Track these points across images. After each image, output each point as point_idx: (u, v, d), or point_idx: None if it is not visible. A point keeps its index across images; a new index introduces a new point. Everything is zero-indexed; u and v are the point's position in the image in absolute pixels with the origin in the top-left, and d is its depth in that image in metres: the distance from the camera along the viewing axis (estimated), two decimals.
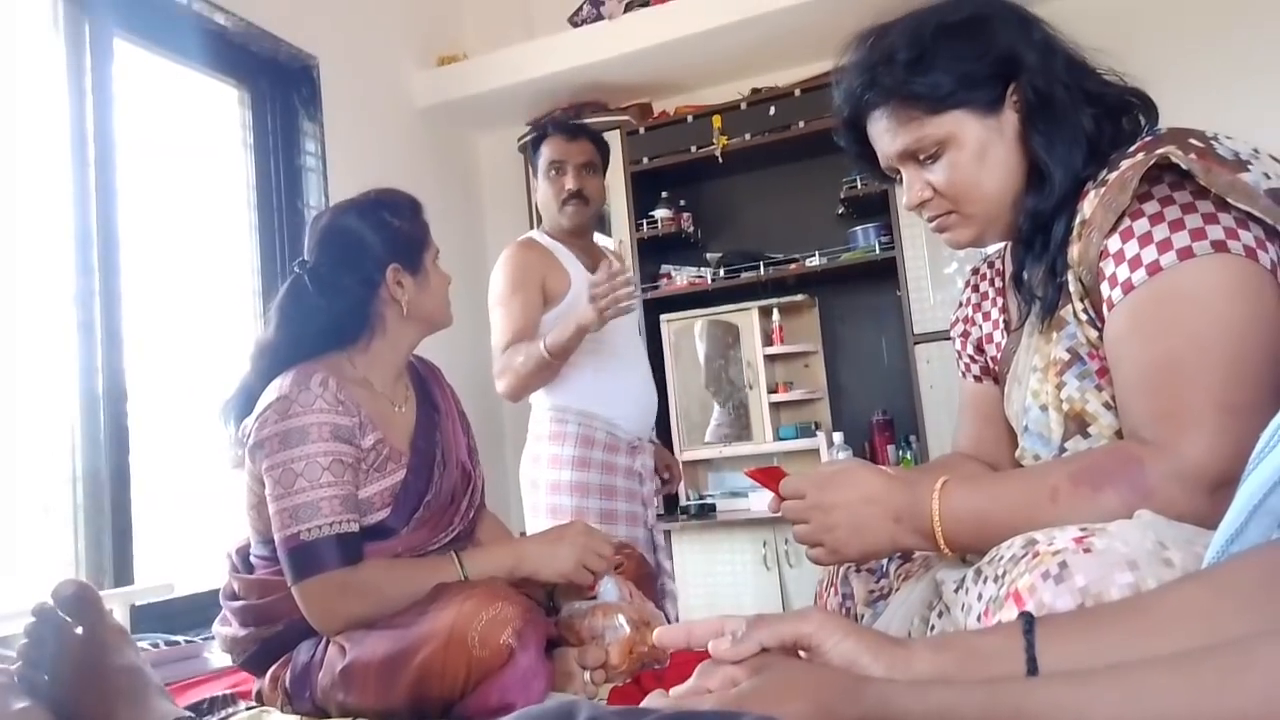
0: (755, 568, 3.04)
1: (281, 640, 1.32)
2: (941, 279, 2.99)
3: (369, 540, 1.33)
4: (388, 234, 1.45)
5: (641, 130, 3.38)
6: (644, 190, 3.42)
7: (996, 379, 1.17)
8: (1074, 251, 0.93)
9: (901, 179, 1.06)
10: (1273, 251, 0.83)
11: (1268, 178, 0.85)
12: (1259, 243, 0.83)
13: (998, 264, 1.20)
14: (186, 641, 1.81)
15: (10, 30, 2.10)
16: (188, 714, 0.93)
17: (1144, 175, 0.86)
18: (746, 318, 3.30)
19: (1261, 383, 0.80)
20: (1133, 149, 0.92)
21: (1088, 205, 0.92)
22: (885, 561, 1.13)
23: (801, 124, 3.15)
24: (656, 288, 3.40)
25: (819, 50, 3.09)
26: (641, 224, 3.38)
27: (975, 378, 1.23)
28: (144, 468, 2.20)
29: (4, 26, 2.09)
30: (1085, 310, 0.94)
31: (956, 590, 0.84)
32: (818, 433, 3.19)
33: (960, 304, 1.27)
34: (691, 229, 3.47)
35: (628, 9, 3.25)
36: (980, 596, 0.78)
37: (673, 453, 3.29)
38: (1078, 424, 0.97)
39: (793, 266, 3.25)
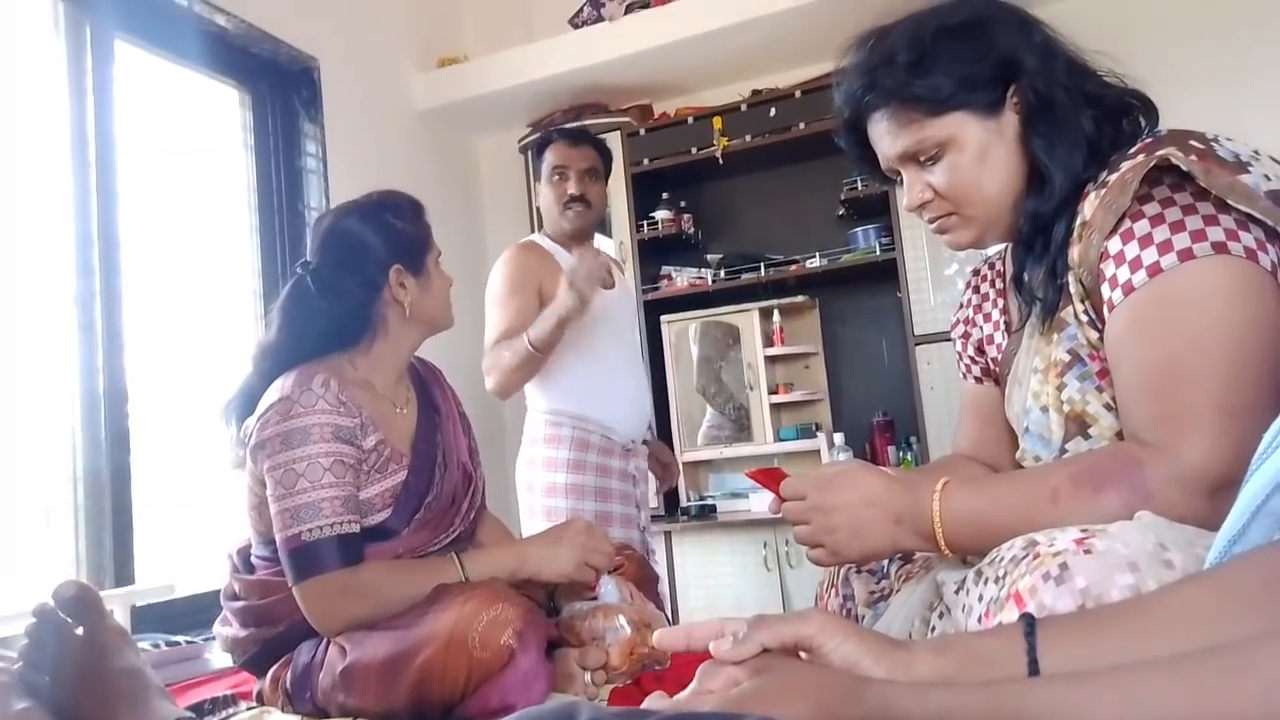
0: (756, 569, 3.04)
1: (282, 641, 1.32)
2: (942, 280, 2.99)
3: (370, 541, 1.33)
4: (390, 236, 1.45)
5: (642, 132, 3.38)
6: (644, 191, 3.42)
7: (997, 380, 1.17)
8: (1074, 253, 0.93)
9: (902, 180, 1.06)
10: (1273, 253, 0.83)
11: (1268, 179, 0.85)
12: (1259, 244, 0.83)
13: (998, 265, 1.21)
14: (187, 642, 1.81)
15: (11, 32, 2.10)
16: (188, 714, 0.92)
17: (1144, 177, 0.86)
18: (747, 319, 3.30)
19: (1262, 385, 0.80)
20: (1133, 151, 0.92)
21: (1088, 207, 0.92)
22: (886, 563, 1.13)
23: (802, 125, 3.15)
24: (657, 289, 3.40)
25: (819, 52, 3.09)
26: (642, 225, 3.38)
27: (976, 379, 1.23)
28: (145, 468, 2.20)
29: (5, 28, 2.09)
30: (1086, 312, 0.94)
31: (957, 591, 0.84)
32: (818, 434, 3.19)
33: (961, 305, 1.27)
34: (692, 230, 3.47)
35: (628, 11, 3.25)
36: (981, 598, 0.79)
37: (673, 453, 3.30)
38: (1078, 425, 0.97)
39: (793, 268, 3.25)
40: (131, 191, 2.27)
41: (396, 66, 3.37)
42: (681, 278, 3.40)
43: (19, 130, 2.08)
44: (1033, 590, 0.71)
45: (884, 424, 3.22)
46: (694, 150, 3.30)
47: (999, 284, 1.19)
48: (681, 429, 3.30)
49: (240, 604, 1.38)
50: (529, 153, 3.41)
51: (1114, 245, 0.88)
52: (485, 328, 2.16)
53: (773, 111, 3.21)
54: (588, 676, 1.24)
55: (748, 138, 3.23)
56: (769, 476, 1.04)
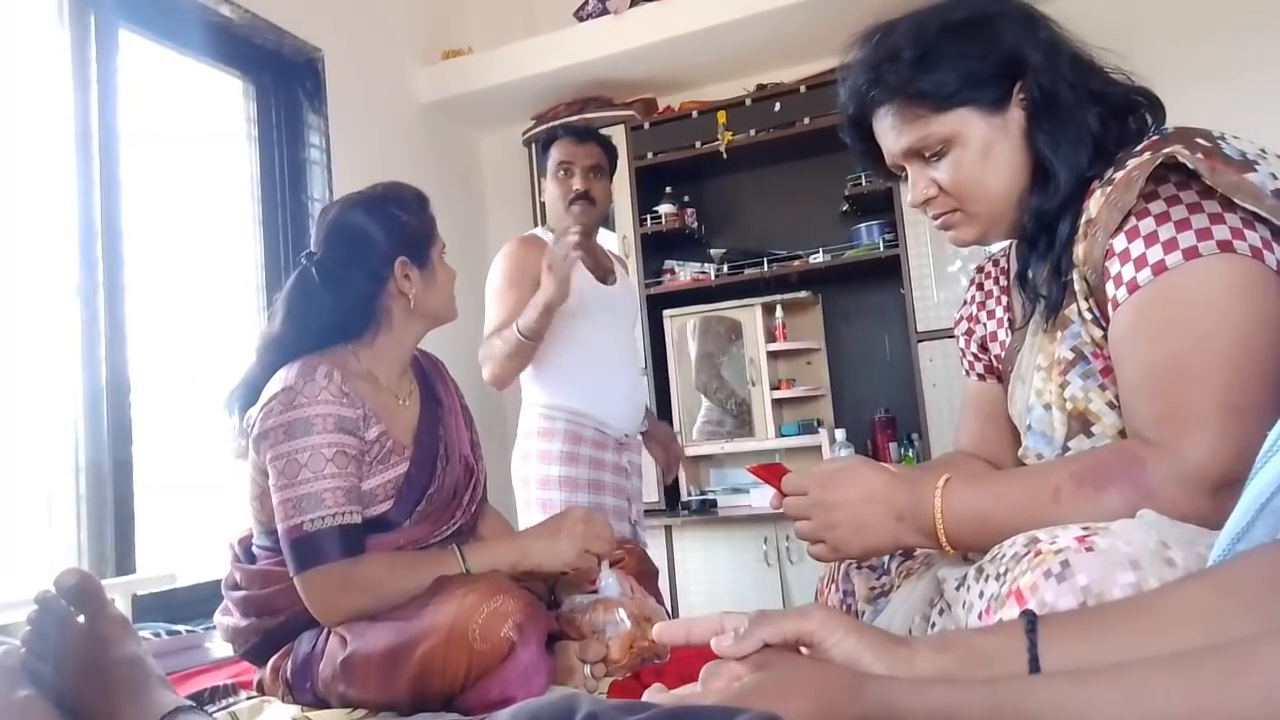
0: (756, 564, 3.04)
1: (283, 631, 1.33)
2: (945, 277, 2.98)
3: (371, 533, 1.33)
4: (396, 228, 1.45)
5: (646, 126, 3.37)
6: (648, 186, 3.42)
7: (1000, 377, 1.17)
8: (1079, 250, 0.93)
9: (906, 177, 1.06)
10: (1279, 251, 0.83)
11: (1274, 178, 0.85)
12: (1265, 243, 0.83)
13: (1002, 262, 1.20)
14: (188, 631, 1.81)
15: (16, 22, 2.10)
16: (189, 703, 0.93)
17: (1150, 175, 0.86)
18: (749, 314, 3.29)
19: (1266, 384, 0.80)
20: (1139, 148, 0.91)
21: (1093, 204, 0.92)
22: (887, 559, 1.13)
23: (806, 121, 3.14)
24: (660, 284, 3.40)
25: (824, 47, 3.08)
26: (645, 220, 3.38)
27: (979, 376, 1.23)
28: (146, 458, 2.21)
29: (9, 18, 2.09)
30: (1090, 309, 0.94)
31: (958, 588, 0.84)
32: (820, 430, 3.19)
33: (964, 302, 1.27)
34: (695, 225, 3.46)
35: (633, 4, 3.24)
36: (982, 594, 0.79)
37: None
38: (1081, 423, 0.97)
39: (796, 263, 3.25)
40: (135, 182, 2.27)
41: (400, 59, 3.36)
42: (684, 272, 3.40)
43: (23, 121, 2.08)
44: (1034, 588, 0.71)
45: (886, 420, 3.22)
46: (698, 145, 3.29)
47: (1003, 281, 1.19)
48: (683, 424, 3.30)
49: (241, 594, 1.38)
50: (532, 146, 3.41)
51: (1119, 243, 0.88)
52: (485, 320, 2.17)
53: (777, 106, 3.20)
54: (588, 669, 1.24)
55: (752, 132, 3.22)
56: (770, 472, 1.04)
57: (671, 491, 3.29)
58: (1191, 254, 0.83)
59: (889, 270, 3.12)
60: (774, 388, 3.26)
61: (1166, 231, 0.85)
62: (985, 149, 0.98)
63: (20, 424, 1.99)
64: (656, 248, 3.46)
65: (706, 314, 3.37)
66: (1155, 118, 0.98)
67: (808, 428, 3.23)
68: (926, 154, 1.01)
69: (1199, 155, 0.84)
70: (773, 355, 3.29)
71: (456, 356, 1.86)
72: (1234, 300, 0.82)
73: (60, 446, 2.06)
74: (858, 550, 0.96)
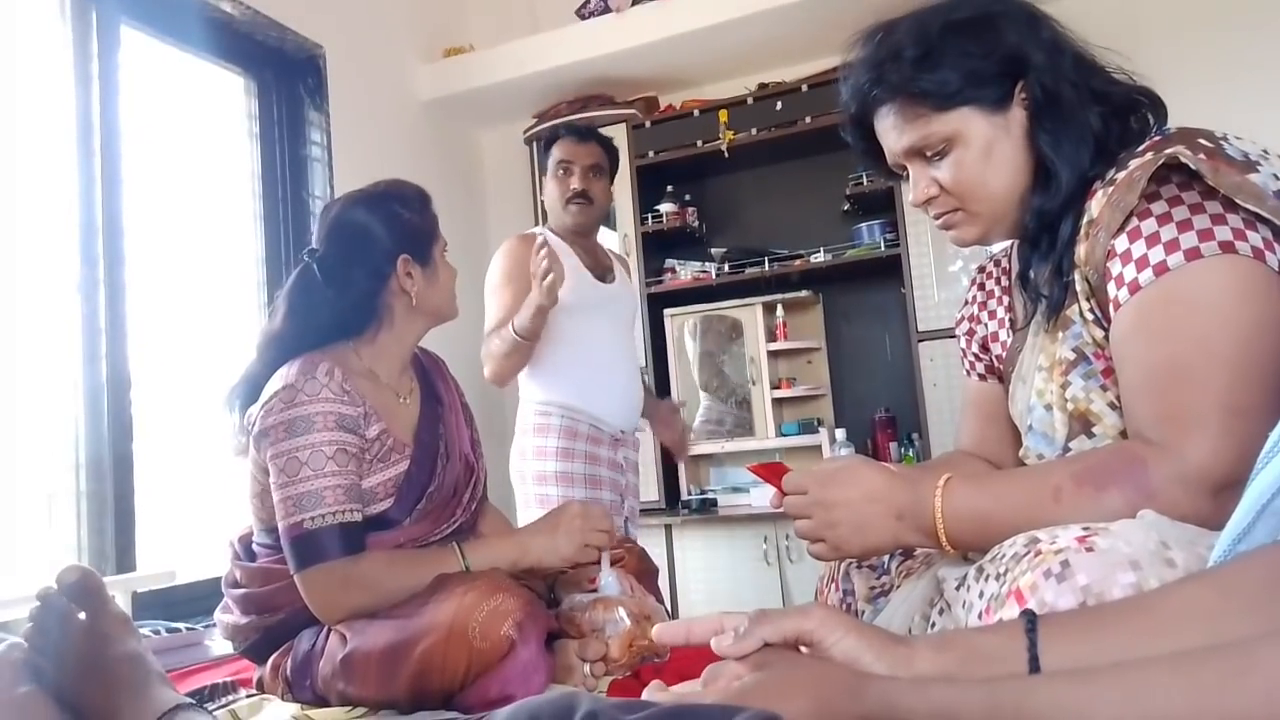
0: (756, 563, 3.04)
1: (283, 628, 1.33)
2: (946, 277, 2.98)
3: (371, 531, 1.33)
4: (398, 226, 1.45)
5: (647, 124, 3.37)
6: (649, 185, 3.42)
7: (1001, 378, 1.17)
8: (1081, 251, 0.93)
9: (908, 176, 1.06)
10: None
11: (1277, 179, 0.85)
12: (1267, 244, 0.83)
13: (1004, 262, 1.20)
14: (188, 629, 1.81)
15: (18, 18, 2.10)
16: (188, 700, 0.93)
17: (1152, 175, 0.86)
18: (750, 313, 3.29)
19: (1267, 385, 0.80)
20: (1141, 148, 0.91)
21: (1095, 204, 0.92)
22: (887, 558, 1.13)
23: (808, 120, 3.14)
24: (660, 282, 3.40)
25: (826, 46, 3.08)
26: (646, 218, 3.38)
27: (980, 376, 1.23)
28: (147, 456, 2.21)
29: (11, 14, 2.09)
30: (1091, 310, 0.94)
31: (958, 588, 0.84)
32: (820, 429, 3.19)
33: (966, 302, 1.27)
34: (696, 224, 3.46)
35: (635, 2, 3.24)
36: (982, 594, 0.79)
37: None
38: (1082, 424, 0.97)
39: (797, 263, 3.25)
40: (136, 179, 2.27)
41: (402, 56, 3.36)
42: (685, 271, 3.40)
43: (24, 117, 2.08)
44: (1034, 587, 0.71)
45: (886, 420, 3.22)
46: (699, 143, 3.29)
47: (1004, 281, 1.19)
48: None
49: (241, 591, 1.38)
50: (533, 144, 3.41)
51: (1121, 243, 0.88)
52: (484, 318, 2.17)
53: (779, 105, 3.20)
54: (587, 668, 1.24)
55: (753, 131, 3.22)
56: (771, 471, 1.04)
57: (671, 490, 3.29)
58: (1193, 255, 0.83)
59: (890, 270, 3.12)
60: (774, 387, 3.26)
61: (1168, 232, 0.85)
62: (987, 148, 0.98)
63: (21, 421, 1.99)
64: (657, 246, 3.46)
65: (707, 313, 3.37)
66: (1157, 118, 0.98)
67: (808, 427, 3.23)
68: (928, 153, 1.01)
69: (1201, 156, 0.84)
70: (773, 354, 3.29)
71: (457, 354, 1.86)
72: (1235, 301, 0.82)
73: (61, 443, 2.06)
74: (858, 549, 0.96)
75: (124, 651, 0.94)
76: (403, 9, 3.36)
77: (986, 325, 1.20)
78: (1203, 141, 0.88)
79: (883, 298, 3.30)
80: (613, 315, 2.28)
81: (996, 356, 1.18)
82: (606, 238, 3.20)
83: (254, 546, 1.42)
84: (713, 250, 3.42)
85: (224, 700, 1.25)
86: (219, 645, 1.73)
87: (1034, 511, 0.84)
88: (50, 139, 2.11)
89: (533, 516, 2.00)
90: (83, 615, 0.96)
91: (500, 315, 2.11)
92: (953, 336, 1.29)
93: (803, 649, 0.66)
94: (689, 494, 3.27)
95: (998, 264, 1.22)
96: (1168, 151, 0.85)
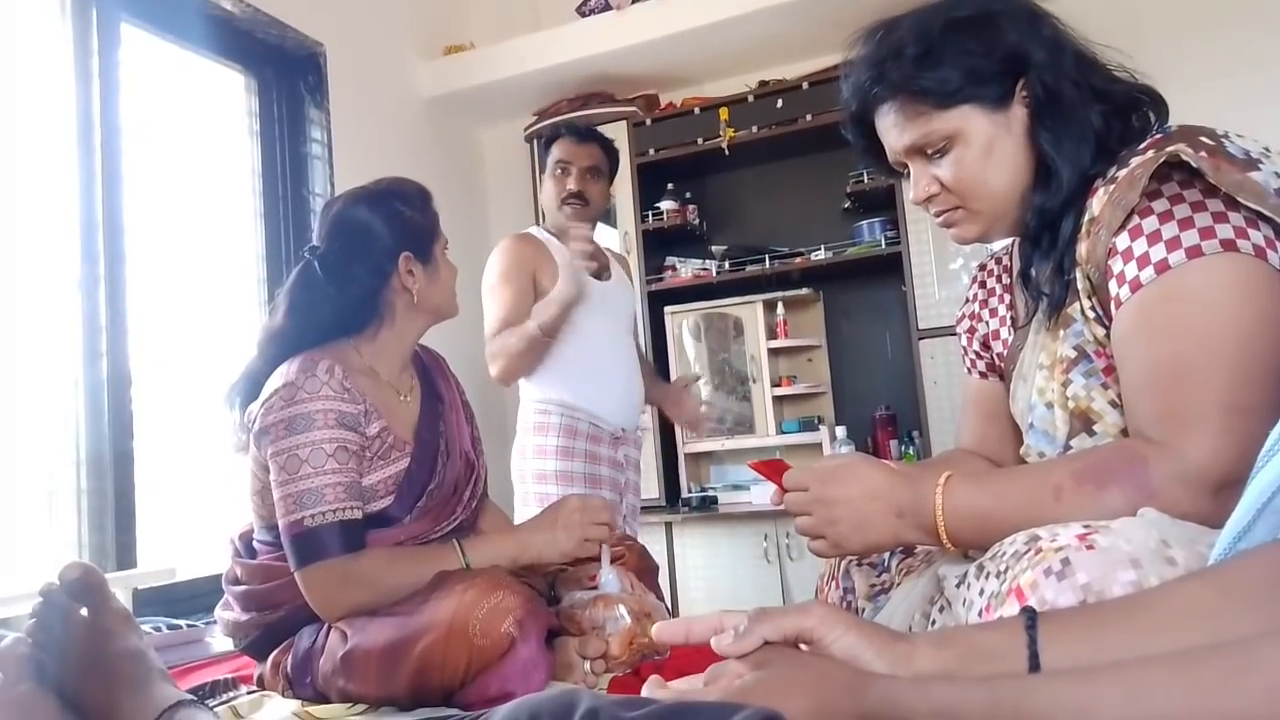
0: (756, 561, 3.04)
1: (284, 626, 1.33)
2: (947, 275, 2.98)
3: (372, 528, 1.34)
4: (399, 223, 1.45)
5: (648, 122, 3.37)
6: (650, 182, 3.42)
7: (1002, 376, 1.17)
8: (1082, 249, 0.93)
9: (908, 174, 1.05)
10: None
11: (1278, 176, 0.85)
12: (1268, 242, 0.82)
13: (1005, 260, 1.20)
14: (188, 626, 1.81)
15: (18, 16, 2.10)
16: (189, 697, 0.93)
17: (1153, 173, 0.86)
18: (751, 311, 3.29)
19: (1268, 383, 0.80)
20: (1142, 146, 0.91)
21: (1097, 202, 0.92)
22: (887, 556, 1.13)
23: (809, 118, 3.14)
24: (661, 280, 3.40)
25: (827, 44, 3.08)
26: (647, 216, 3.38)
27: (980, 374, 1.23)
28: (147, 452, 2.21)
29: (11, 12, 2.08)
30: (1093, 308, 0.94)
31: (958, 585, 0.84)
32: (820, 427, 3.19)
33: (966, 300, 1.27)
34: (697, 222, 3.46)
35: (635, 0, 3.24)
36: (982, 592, 0.79)
37: (675, 449, 3.30)
38: (1083, 422, 0.97)
39: (798, 260, 3.25)
40: (136, 177, 2.26)
41: (402, 54, 3.36)
42: (686, 269, 3.39)
43: (25, 114, 2.08)
44: (1034, 585, 0.71)
45: (886, 418, 3.22)
46: (700, 141, 3.29)
47: (1005, 279, 1.19)
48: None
49: (242, 588, 1.38)
50: (534, 142, 3.40)
51: (1122, 241, 0.88)
52: (485, 317, 2.17)
53: (779, 103, 3.20)
54: (587, 665, 1.24)
55: (754, 129, 3.22)
56: (771, 468, 1.04)
57: (672, 488, 3.29)
58: (1194, 253, 0.83)
59: (890, 267, 3.12)
60: (775, 384, 3.26)
61: (1169, 230, 0.85)
62: (988, 146, 0.98)
63: (21, 418, 1.99)
64: (658, 244, 3.46)
65: (708, 311, 3.37)
66: (1158, 115, 0.98)
67: (808, 425, 3.23)
68: (929, 151, 1.01)
69: (1203, 154, 0.84)
70: (774, 352, 3.29)
71: (457, 352, 1.86)
72: (1237, 299, 0.82)
73: (61, 440, 2.07)
74: (858, 547, 0.96)
75: (126, 648, 0.95)
76: (403, 6, 3.36)
77: (988, 323, 1.20)
78: (1204, 139, 0.87)
79: (883, 295, 3.30)
80: (610, 313, 2.28)
81: (997, 354, 1.18)
82: (606, 235, 3.21)
83: (254, 544, 1.42)
84: (713, 248, 3.42)
85: (225, 697, 1.25)
86: (219, 642, 1.74)
87: (1034, 509, 0.84)
88: (51, 136, 2.11)
89: (531, 515, 2.01)
90: (85, 612, 0.97)
91: (504, 313, 2.12)
92: (953, 334, 1.29)
93: (803, 647, 0.66)
94: (689, 492, 3.28)
95: (999, 262, 1.22)
96: (1169, 149, 0.85)
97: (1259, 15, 2.81)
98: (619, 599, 1.32)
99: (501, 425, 3.24)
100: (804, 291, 3.30)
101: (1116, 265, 0.89)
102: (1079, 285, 0.94)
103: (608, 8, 3.27)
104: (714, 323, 3.39)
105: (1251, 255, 0.82)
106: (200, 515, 2.37)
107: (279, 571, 1.33)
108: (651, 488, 3.18)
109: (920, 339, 3.00)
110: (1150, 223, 0.86)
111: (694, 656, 1.22)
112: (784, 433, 3.23)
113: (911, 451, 3.13)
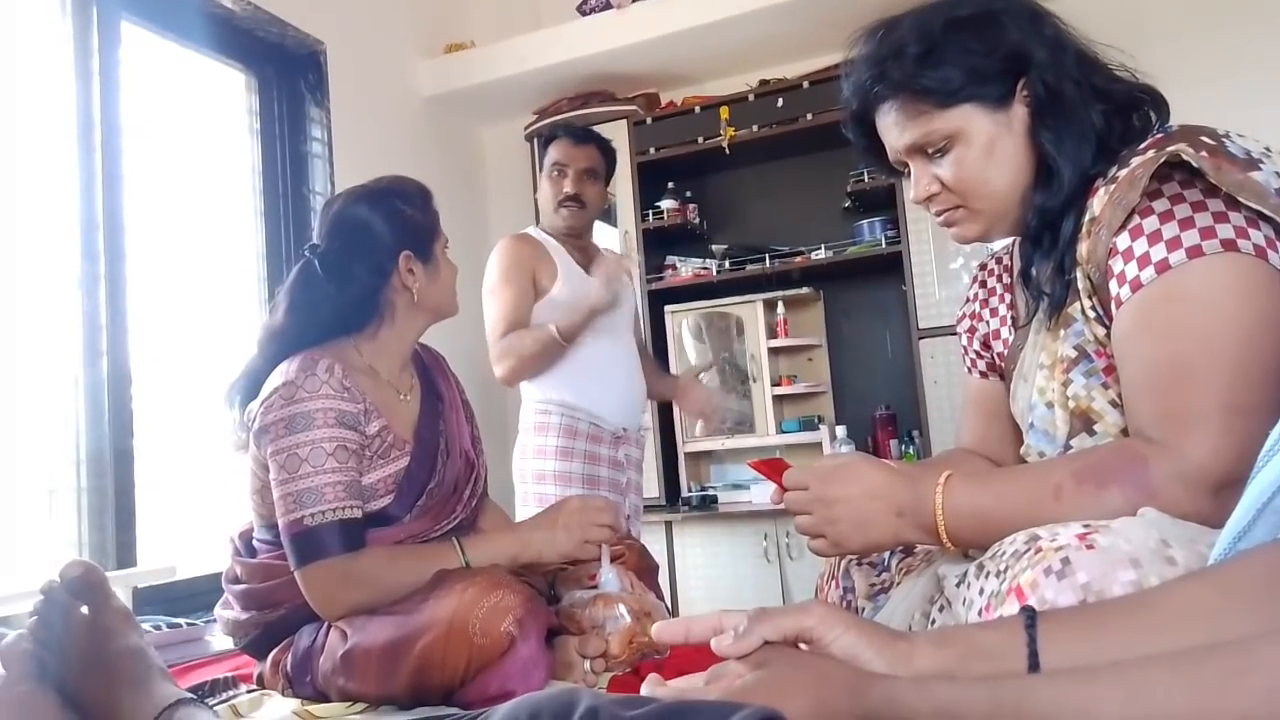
0: (756, 560, 3.04)
1: (283, 624, 1.33)
2: (947, 274, 2.98)
3: (372, 527, 1.34)
4: (400, 222, 1.45)
5: (648, 121, 3.37)
6: (650, 181, 3.42)
7: (1002, 375, 1.17)
8: (1083, 248, 0.93)
9: (909, 173, 1.05)
10: None
11: (1279, 176, 0.85)
12: (1269, 242, 0.82)
13: (1005, 260, 1.20)
14: (188, 624, 1.82)
15: (18, 14, 2.10)
16: (189, 696, 0.93)
17: (1154, 173, 0.86)
18: (751, 310, 3.29)
19: (1268, 383, 0.80)
20: (1143, 146, 0.91)
21: (1097, 202, 0.92)
22: (887, 555, 1.13)
23: (809, 116, 3.14)
24: (661, 279, 3.40)
25: (827, 43, 3.07)
26: (647, 215, 3.38)
27: (981, 373, 1.22)
28: (147, 451, 2.21)
29: (12, 10, 2.08)
30: (1093, 307, 0.94)
31: (958, 585, 0.84)
32: (820, 426, 3.19)
33: (967, 299, 1.27)
34: (697, 221, 3.46)
35: None
36: (982, 591, 0.79)
37: (675, 448, 3.29)
38: (1083, 422, 0.97)
39: (798, 260, 3.25)
40: (137, 175, 2.26)
41: (403, 52, 3.36)
42: (686, 268, 3.39)
43: (25, 112, 2.08)
44: (1034, 585, 0.71)
45: (886, 417, 3.22)
46: (700, 140, 3.29)
47: (1006, 279, 1.18)
48: (684, 419, 3.30)
49: (241, 587, 1.38)
50: (534, 140, 3.40)
51: (1123, 241, 0.88)
52: (485, 317, 2.17)
53: (780, 102, 3.20)
54: (587, 664, 1.24)
55: (754, 128, 3.22)
56: (771, 467, 1.04)
57: (672, 487, 3.29)
58: (1195, 252, 0.83)
59: (891, 267, 3.12)
60: (775, 384, 3.26)
61: (1170, 230, 0.85)
62: (989, 146, 0.98)
63: (22, 416, 1.99)
64: (658, 243, 3.46)
65: (708, 310, 3.37)
66: (1159, 115, 0.98)
67: (808, 424, 3.23)
68: (930, 150, 1.01)
69: (1203, 153, 0.84)
70: (774, 351, 3.29)
71: (457, 351, 1.86)
72: (1237, 299, 0.82)
73: (62, 439, 2.07)
74: (858, 546, 0.96)
75: (126, 646, 0.95)
76: (404, 5, 3.36)
77: (988, 323, 1.20)
78: (1205, 139, 0.87)
79: (883, 295, 3.30)
80: (609, 313, 2.28)
81: (998, 354, 1.18)
82: (606, 235, 3.21)
83: (254, 542, 1.42)
84: (714, 247, 3.42)
85: (225, 695, 1.26)
86: (219, 641, 1.74)
87: (1034, 509, 0.84)
88: (51, 135, 2.11)
89: (531, 515, 2.02)
90: (85, 610, 0.97)
91: (507, 313, 2.11)
92: (953, 334, 1.29)
93: (803, 646, 0.66)
94: (689, 491, 3.28)
95: (999, 261, 1.22)
96: (1170, 149, 0.85)
97: (1259, 15, 2.81)
98: (619, 598, 1.32)
99: (502, 425, 3.24)
100: (804, 291, 3.30)
101: (1117, 265, 0.89)
102: (1079, 285, 0.94)
103: (608, 6, 3.27)
104: (714, 322, 3.39)
105: (1252, 255, 0.82)
106: (200, 514, 2.37)
107: (279, 570, 1.33)
108: (651, 487, 3.18)
109: (920, 338, 3.00)
110: (1151, 222, 0.86)
111: (694, 656, 1.22)
112: (784, 432, 3.23)
113: (911, 451, 3.13)
